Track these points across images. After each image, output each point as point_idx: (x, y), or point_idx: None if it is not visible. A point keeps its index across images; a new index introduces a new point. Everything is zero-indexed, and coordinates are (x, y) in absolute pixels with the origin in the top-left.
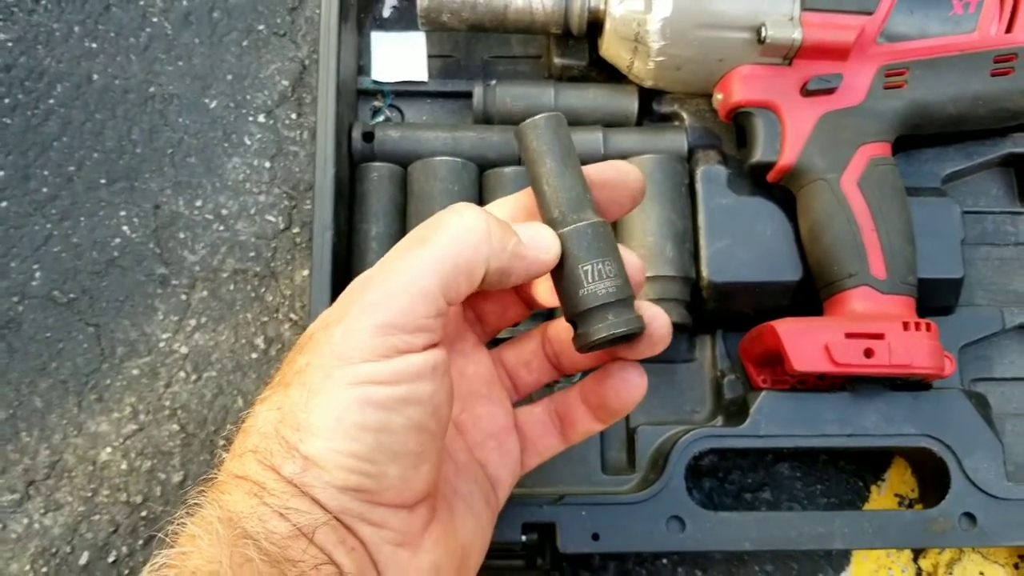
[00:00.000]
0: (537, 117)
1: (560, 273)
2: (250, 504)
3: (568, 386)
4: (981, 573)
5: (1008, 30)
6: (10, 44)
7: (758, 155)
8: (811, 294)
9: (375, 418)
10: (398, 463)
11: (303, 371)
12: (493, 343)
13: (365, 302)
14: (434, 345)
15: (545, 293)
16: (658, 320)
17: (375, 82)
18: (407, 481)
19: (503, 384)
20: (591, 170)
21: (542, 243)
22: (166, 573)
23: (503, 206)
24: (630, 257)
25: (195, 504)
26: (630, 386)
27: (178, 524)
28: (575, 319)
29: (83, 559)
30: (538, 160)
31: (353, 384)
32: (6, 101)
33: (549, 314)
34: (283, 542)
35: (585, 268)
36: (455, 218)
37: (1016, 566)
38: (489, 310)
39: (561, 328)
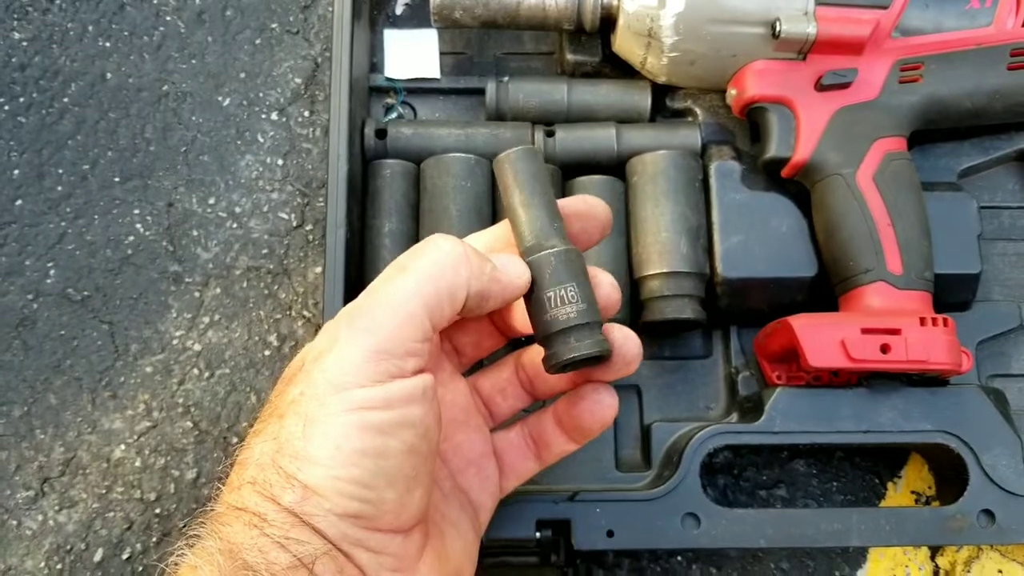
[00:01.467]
0: (510, 151)
1: (530, 299)
2: (250, 535)
3: (541, 410)
4: (1000, 571)
5: None
6: (25, 43)
7: (772, 150)
8: (826, 290)
9: (373, 443)
10: (395, 487)
11: (297, 401)
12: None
13: (355, 328)
14: (422, 370)
15: (520, 319)
16: (629, 343)
17: (388, 79)
18: (404, 505)
19: (479, 411)
20: (562, 203)
21: (514, 269)
22: None
23: (482, 238)
24: (604, 279)
25: (195, 535)
26: (602, 407)
27: (178, 555)
28: (544, 342)
29: (97, 556)
30: (511, 191)
31: (349, 410)
32: (21, 100)
33: (522, 342)
34: (283, 573)
35: (549, 294)
36: (433, 247)
37: None
38: (466, 341)
39: (534, 354)
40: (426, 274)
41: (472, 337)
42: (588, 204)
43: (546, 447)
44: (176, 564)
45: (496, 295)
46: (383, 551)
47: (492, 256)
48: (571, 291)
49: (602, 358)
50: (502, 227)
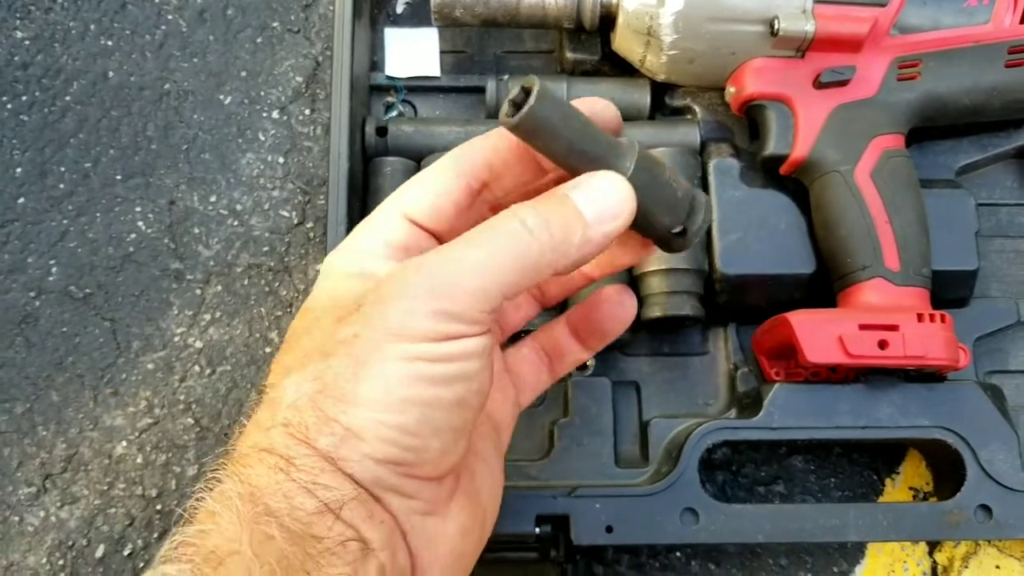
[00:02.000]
0: (536, 83)
1: (646, 202)
2: (275, 479)
3: (551, 322)
4: (997, 567)
5: (1023, 21)
6: (27, 42)
7: (771, 148)
8: (824, 286)
9: (424, 393)
10: (440, 438)
11: (350, 342)
12: None
13: (425, 287)
14: (485, 332)
15: (556, 289)
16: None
17: (389, 78)
18: (446, 455)
19: (494, 329)
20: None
21: (614, 208)
22: (184, 552)
23: (478, 150)
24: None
25: (214, 478)
26: (625, 308)
27: (196, 499)
28: (682, 224)
29: (99, 552)
30: (566, 123)
31: (405, 359)
32: (23, 98)
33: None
34: (308, 519)
35: (668, 176)
36: (518, 226)
37: None
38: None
39: None
40: (508, 256)
41: (508, 306)
42: (600, 104)
43: (559, 358)
44: (195, 508)
45: (589, 256)
46: (416, 496)
47: (582, 192)
48: (669, 165)
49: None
50: (495, 138)
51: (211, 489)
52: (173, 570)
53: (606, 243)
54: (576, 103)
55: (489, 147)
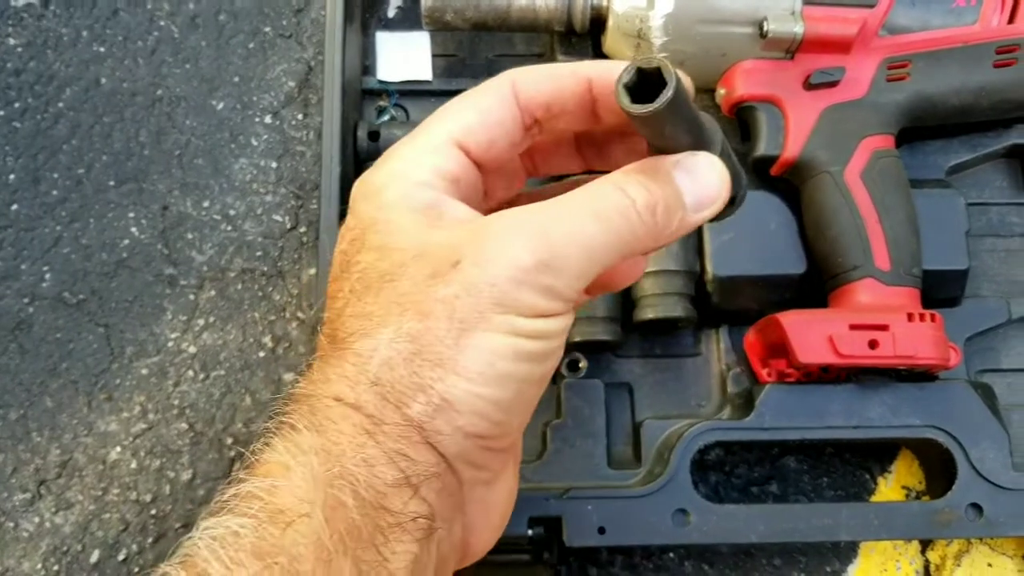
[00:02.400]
0: (669, 94)
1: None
2: (358, 441)
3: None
4: (989, 565)
5: (1010, 21)
6: (20, 49)
7: (761, 149)
8: (815, 287)
9: (522, 369)
10: (524, 413)
11: (451, 303)
12: None
13: (536, 258)
14: (573, 309)
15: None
16: None
17: (380, 82)
18: (521, 428)
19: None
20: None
21: (712, 195)
22: (249, 505)
23: (495, 98)
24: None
25: (288, 424)
26: (638, 268)
27: (265, 443)
28: (735, 193)
29: (94, 557)
30: (686, 107)
31: (510, 333)
32: (16, 105)
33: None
34: (385, 489)
35: (732, 151)
36: (629, 206)
37: None
38: (496, 184)
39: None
40: (618, 237)
41: (503, 179)
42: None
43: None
44: (263, 453)
45: (679, 237)
46: (486, 467)
47: (687, 175)
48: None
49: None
50: (509, 86)
51: (284, 436)
52: (235, 523)
53: (709, 216)
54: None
55: (554, 87)
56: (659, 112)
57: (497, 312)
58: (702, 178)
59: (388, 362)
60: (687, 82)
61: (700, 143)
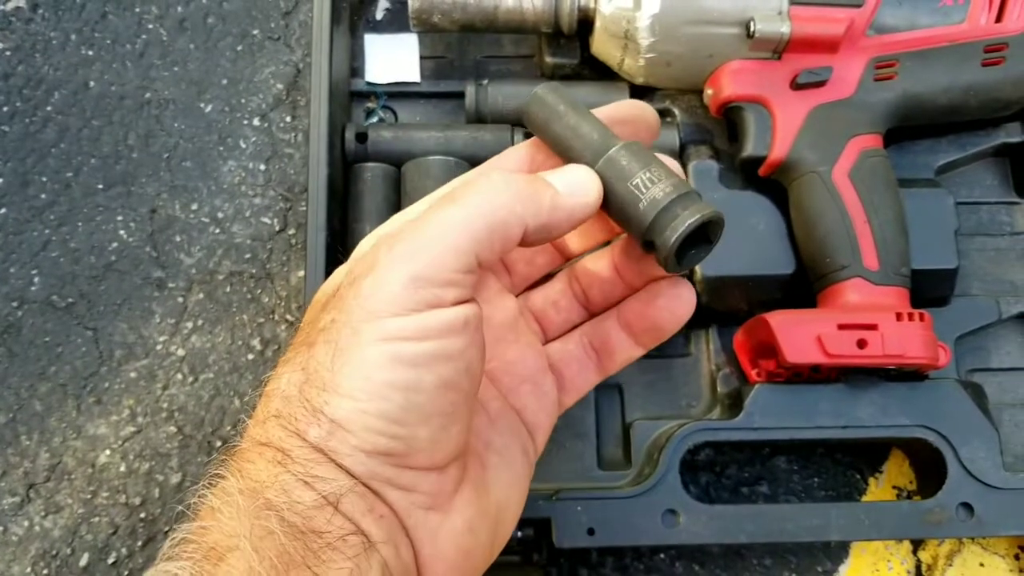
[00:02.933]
0: (537, 89)
1: (612, 203)
2: (273, 473)
3: (602, 315)
4: (981, 564)
5: (998, 20)
6: (8, 53)
7: (749, 149)
8: (804, 287)
9: (405, 376)
10: (428, 424)
11: (328, 328)
12: None
13: (394, 254)
14: (465, 301)
15: (576, 240)
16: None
17: (369, 84)
18: (438, 443)
19: (530, 328)
20: (609, 110)
21: (581, 186)
22: (185, 549)
23: (512, 156)
24: (669, 161)
25: (217, 474)
26: (682, 302)
27: (200, 496)
28: (649, 235)
29: (83, 561)
30: (554, 120)
31: (382, 340)
32: (5, 109)
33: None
34: (308, 512)
35: (635, 182)
36: (485, 181)
37: (1016, 556)
38: (516, 257)
39: (588, 263)
40: (477, 208)
41: (523, 253)
42: (638, 107)
43: (609, 355)
44: (198, 505)
45: (562, 223)
46: (415, 489)
47: (553, 174)
48: (656, 171)
49: (715, 225)
50: (530, 145)
51: (214, 486)
52: (174, 567)
53: (581, 214)
54: (612, 106)
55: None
56: (527, 111)
57: (367, 321)
58: (567, 172)
59: (285, 395)
60: (635, 110)
61: (584, 160)
